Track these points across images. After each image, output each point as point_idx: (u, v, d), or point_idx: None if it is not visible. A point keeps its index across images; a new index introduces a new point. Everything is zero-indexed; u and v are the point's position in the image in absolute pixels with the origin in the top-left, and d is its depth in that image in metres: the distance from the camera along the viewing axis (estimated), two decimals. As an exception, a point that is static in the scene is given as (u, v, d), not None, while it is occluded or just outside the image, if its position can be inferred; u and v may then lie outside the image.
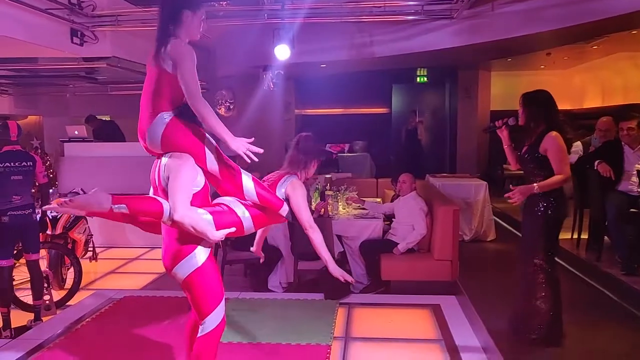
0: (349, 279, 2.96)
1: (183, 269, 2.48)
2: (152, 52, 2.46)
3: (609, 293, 4.51)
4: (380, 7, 5.14)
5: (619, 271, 4.55)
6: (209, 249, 2.57)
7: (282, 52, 5.58)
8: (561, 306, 3.41)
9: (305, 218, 2.86)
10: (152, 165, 2.59)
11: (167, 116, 2.45)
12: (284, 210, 2.79)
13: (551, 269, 3.38)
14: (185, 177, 2.42)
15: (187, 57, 2.41)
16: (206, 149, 2.54)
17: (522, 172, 3.67)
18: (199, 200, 2.52)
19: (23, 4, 4.25)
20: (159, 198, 2.43)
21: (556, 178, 3.24)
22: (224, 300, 2.58)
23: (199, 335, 2.53)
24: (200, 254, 2.50)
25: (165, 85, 2.45)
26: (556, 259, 3.53)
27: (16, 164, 4.23)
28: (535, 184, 3.27)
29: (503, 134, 3.56)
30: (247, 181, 2.66)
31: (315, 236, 2.91)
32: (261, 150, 2.48)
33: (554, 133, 3.27)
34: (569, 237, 5.68)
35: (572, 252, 5.42)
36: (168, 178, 2.42)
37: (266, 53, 5.90)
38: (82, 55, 5.21)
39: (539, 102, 3.38)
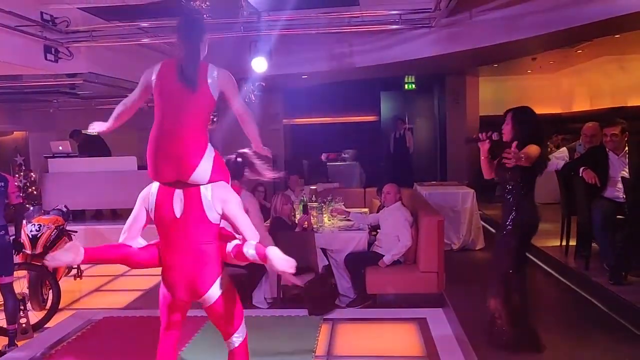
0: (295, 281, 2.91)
1: (215, 292, 2.54)
2: (195, 77, 2.46)
3: (597, 302, 4.43)
4: (358, 17, 5.09)
5: (607, 280, 4.47)
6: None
7: (259, 64, 5.51)
8: (524, 316, 3.46)
9: None
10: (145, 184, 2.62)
11: (211, 151, 2.52)
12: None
13: (516, 281, 3.41)
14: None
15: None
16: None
17: None
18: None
19: (-9, 22, 4.18)
20: (127, 243, 2.55)
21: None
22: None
23: (233, 348, 2.70)
24: (225, 276, 2.60)
25: (208, 114, 2.54)
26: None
27: (-13, 185, 4.12)
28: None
29: (483, 147, 3.54)
30: None
31: None
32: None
33: (532, 147, 3.25)
34: (558, 244, 5.63)
35: (561, 260, 5.36)
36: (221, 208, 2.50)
37: (245, 65, 5.83)
38: (57, 71, 5.12)
39: (528, 123, 3.39)
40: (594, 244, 4.94)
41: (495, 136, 3.49)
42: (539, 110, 10.42)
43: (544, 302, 4.65)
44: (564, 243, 5.52)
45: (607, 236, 4.54)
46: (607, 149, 4.71)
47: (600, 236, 4.63)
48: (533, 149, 3.22)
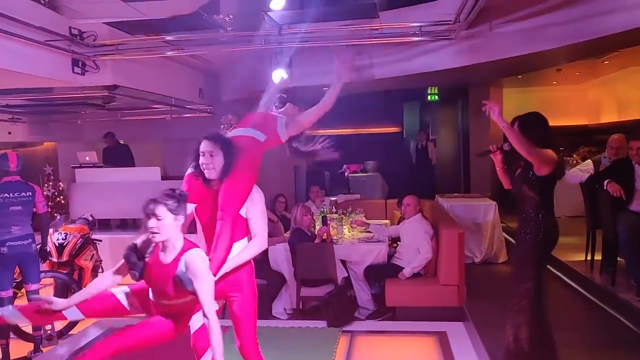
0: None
1: None
2: None
3: (624, 319, 4.31)
4: (378, 29, 5.12)
5: (634, 296, 4.35)
6: None
7: (280, 76, 5.58)
8: (548, 331, 3.35)
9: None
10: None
11: None
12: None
13: (536, 294, 3.31)
14: None
15: None
16: None
17: None
18: None
19: (22, 37, 4.32)
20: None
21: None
22: None
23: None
24: None
25: None
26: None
27: (15, 194, 4.24)
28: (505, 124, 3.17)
29: (496, 158, 3.50)
30: None
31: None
32: None
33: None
34: (582, 258, 5.50)
35: (586, 275, 5.24)
36: None
37: (267, 77, 5.92)
38: (83, 84, 5.27)
39: (531, 127, 3.31)
40: (620, 259, 4.82)
41: (506, 146, 3.43)
42: (564, 121, 10.22)
43: (569, 318, 4.53)
44: (589, 257, 5.40)
45: (633, 250, 4.42)
46: (633, 162, 4.61)
47: (626, 250, 4.51)
48: (546, 151, 3.16)
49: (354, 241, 5.45)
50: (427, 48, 6.03)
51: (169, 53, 5.84)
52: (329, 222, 5.51)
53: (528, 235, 3.27)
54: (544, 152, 3.16)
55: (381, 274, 5.07)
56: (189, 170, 2.78)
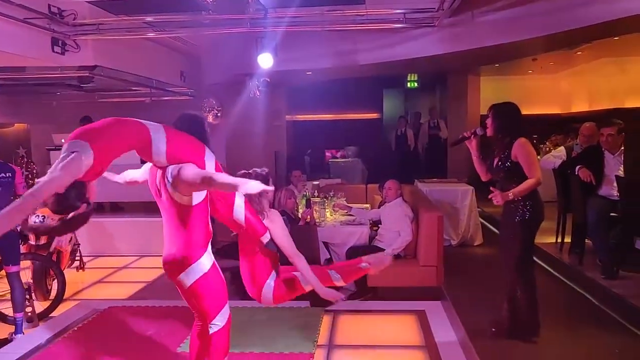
0: (339, 297, 3.15)
1: (189, 277, 2.58)
2: None
3: (590, 297, 4.54)
4: (363, 15, 5.18)
5: (599, 275, 4.58)
6: (212, 256, 2.69)
7: (265, 60, 5.59)
8: (537, 305, 3.54)
9: (288, 248, 2.98)
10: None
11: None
12: (266, 237, 2.90)
13: (526, 271, 3.49)
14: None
15: None
16: (206, 162, 2.61)
17: None
18: (201, 212, 2.60)
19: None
20: None
21: (529, 182, 3.34)
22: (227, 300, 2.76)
23: (211, 332, 2.68)
24: (206, 261, 2.61)
25: None
26: (535, 259, 3.65)
27: (-5, 175, 4.19)
28: (509, 192, 3.33)
29: (472, 145, 3.61)
30: (239, 201, 2.81)
31: (301, 264, 2.99)
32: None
33: (522, 140, 3.38)
34: (553, 240, 5.73)
35: (555, 255, 5.47)
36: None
37: (251, 61, 5.93)
38: (64, 64, 5.19)
39: (506, 115, 3.46)
40: (588, 241, 5.05)
41: (479, 131, 3.56)
42: (538, 110, 10.54)
43: (538, 295, 4.76)
44: (559, 240, 5.63)
45: (600, 233, 4.64)
46: (603, 149, 4.80)
47: (594, 233, 4.74)
48: (530, 182, 3.31)
49: (336, 224, 5.55)
50: (410, 35, 6.11)
51: (151, 34, 5.78)
52: (312, 205, 5.59)
53: (515, 215, 3.40)
54: (533, 158, 3.35)
55: (363, 255, 5.15)
56: None
